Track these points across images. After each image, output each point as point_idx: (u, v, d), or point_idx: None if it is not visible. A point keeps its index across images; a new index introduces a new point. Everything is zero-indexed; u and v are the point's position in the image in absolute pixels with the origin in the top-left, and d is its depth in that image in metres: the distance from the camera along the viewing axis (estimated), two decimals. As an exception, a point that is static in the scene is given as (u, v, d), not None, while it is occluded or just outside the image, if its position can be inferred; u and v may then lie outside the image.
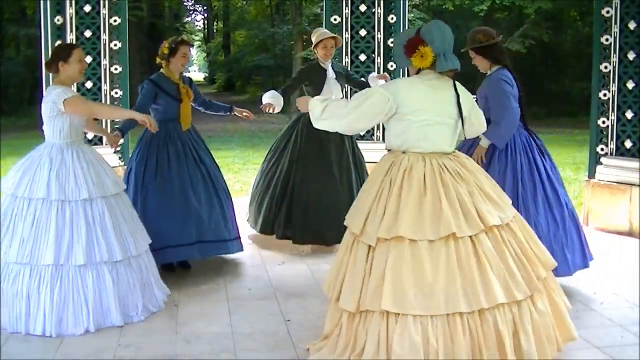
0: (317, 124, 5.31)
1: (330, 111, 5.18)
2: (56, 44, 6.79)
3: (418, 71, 5.21)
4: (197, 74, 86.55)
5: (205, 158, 7.86)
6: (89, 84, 10.22)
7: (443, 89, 5.17)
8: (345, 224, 5.26)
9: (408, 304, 4.66)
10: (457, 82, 5.29)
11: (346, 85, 9.17)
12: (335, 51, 8.77)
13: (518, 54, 32.83)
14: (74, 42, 9.94)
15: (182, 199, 7.47)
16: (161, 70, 7.77)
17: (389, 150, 5.31)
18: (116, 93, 10.30)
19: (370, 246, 4.93)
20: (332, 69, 8.74)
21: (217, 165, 8.10)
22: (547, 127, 28.96)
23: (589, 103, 10.12)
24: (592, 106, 9.92)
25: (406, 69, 5.64)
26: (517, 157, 6.88)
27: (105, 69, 10.26)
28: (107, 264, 6.08)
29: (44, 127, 6.47)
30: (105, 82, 10.28)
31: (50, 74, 7.83)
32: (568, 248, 6.85)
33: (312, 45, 8.73)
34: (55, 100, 6.21)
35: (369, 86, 8.24)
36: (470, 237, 4.82)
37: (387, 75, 9.14)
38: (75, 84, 7.88)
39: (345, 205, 6.38)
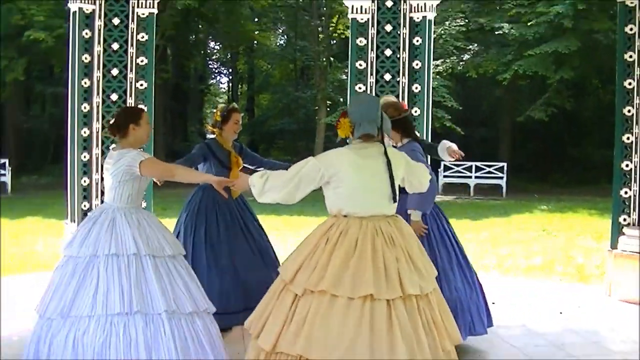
0: (260, 199, 5.57)
1: (270, 184, 5.51)
2: (121, 108, 6.82)
3: (349, 142, 5.63)
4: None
5: (251, 227, 7.94)
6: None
7: (373, 156, 5.43)
8: (278, 269, 5.57)
9: (319, 351, 4.94)
10: (389, 148, 5.54)
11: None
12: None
13: (540, 121, 32.96)
14: (100, 105, 10.15)
15: (231, 268, 7.57)
16: (214, 136, 7.96)
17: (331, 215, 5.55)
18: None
19: (296, 295, 5.20)
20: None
21: (264, 233, 8.15)
22: (568, 194, 28.97)
23: (610, 171, 10.14)
24: (614, 176, 9.93)
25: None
26: (429, 225, 7.16)
27: (131, 132, 10.39)
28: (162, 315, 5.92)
29: (108, 190, 6.35)
30: (131, 144, 10.42)
31: (110, 137, 7.58)
32: (481, 309, 7.16)
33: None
34: (131, 163, 6.17)
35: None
36: (387, 301, 5.04)
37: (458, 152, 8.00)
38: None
39: None
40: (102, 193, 10.18)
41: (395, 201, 5.45)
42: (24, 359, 6.04)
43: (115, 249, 5.95)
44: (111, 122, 6.53)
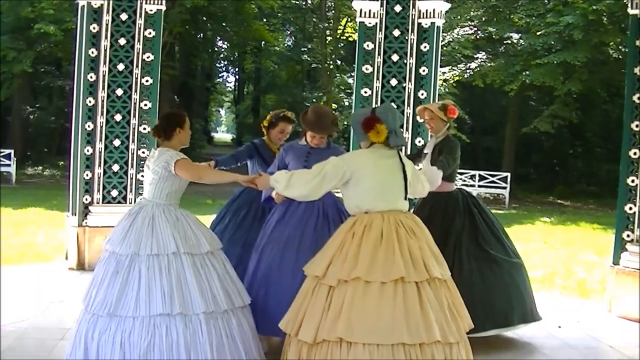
0: (285, 192, 6.02)
1: (296, 178, 5.91)
2: (166, 113, 6.91)
3: (370, 145, 5.95)
4: (225, 135, 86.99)
5: None
6: (116, 142, 10.34)
7: (390, 157, 5.91)
8: (304, 270, 5.87)
9: (359, 333, 5.28)
10: (400, 153, 6.01)
11: None
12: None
13: (546, 133, 32.90)
14: (105, 99, 10.15)
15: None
16: (264, 137, 8.07)
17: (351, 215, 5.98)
18: (143, 152, 10.41)
19: (331, 287, 5.54)
20: None
21: None
22: (571, 207, 28.94)
23: (615, 185, 10.08)
24: (619, 192, 9.84)
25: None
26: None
27: (134, 128, 10.39)
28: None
29: (148, 187, 6.53)
30: (133, 141, 10.40)
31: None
32: None
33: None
34: (168, 161, 6.38)
35: None
36: (416, 283, 5.46)
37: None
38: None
39: None
40: (104, 187, 10.22)
41: (407, 199, 5.94)
42: (70, 358, 6.20)
43: (156, 249, 6.16)
44: (156, 126, 6.73)
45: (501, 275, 7.65)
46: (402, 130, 6.20)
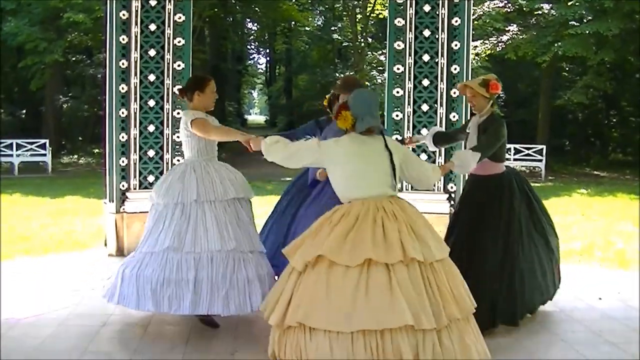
0: (265, 156, 6.24)
1: (275, 147, 6.16)
2: (191, 75, 7.47)
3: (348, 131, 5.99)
4: (258, 117, 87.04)
5: None
6: (151, 128, 10.38)
7: (370, 144, 5.87)
8: (283, 252, 5.91)
9: (318, 319, 5.25)
10: (387, 138, 5.97)
11: None
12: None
13: (580, 104, 32.64)
14: (138, 86, 10.20)
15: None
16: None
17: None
18: (178, 137, 10.44)
19: (300, 273, 5.56)
20: None
21: None
22: (608, 178, 28.76)
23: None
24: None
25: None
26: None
27: (167, 113, 10.43)
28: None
29: (183, 148, 7.41)
30: (168, 126, 10.45)
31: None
32: None
33: None
34: (186, 121, 7.15)
35: None
36: (387, 265, 5.30)
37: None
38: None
39: None
40: (140, 173, 10.31)
41: (394, 189, 5.86)
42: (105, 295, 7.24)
43: (181, 198, 7.03)
44: (181, 87, 7.57)
45: (550, 256, 7.65)
46: (376, 114, 5.90)
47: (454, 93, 10.38)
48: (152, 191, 7.40)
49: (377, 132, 5.93)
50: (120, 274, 7.09)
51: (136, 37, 10.27)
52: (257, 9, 41.47)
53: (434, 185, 10.63)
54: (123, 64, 10.27)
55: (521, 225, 7.34)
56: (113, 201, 10.41)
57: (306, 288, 5.43)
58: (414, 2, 10.61)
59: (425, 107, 10.64)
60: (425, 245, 5.52)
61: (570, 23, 28.90)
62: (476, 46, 29.80)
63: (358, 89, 6.22)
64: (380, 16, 37.08)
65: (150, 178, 10.45)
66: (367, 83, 34.53)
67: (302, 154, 6.04)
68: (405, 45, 10.67)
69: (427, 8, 10.60)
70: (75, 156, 33.40)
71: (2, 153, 27.22)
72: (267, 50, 60.55)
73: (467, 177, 7.87)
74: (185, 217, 6.99)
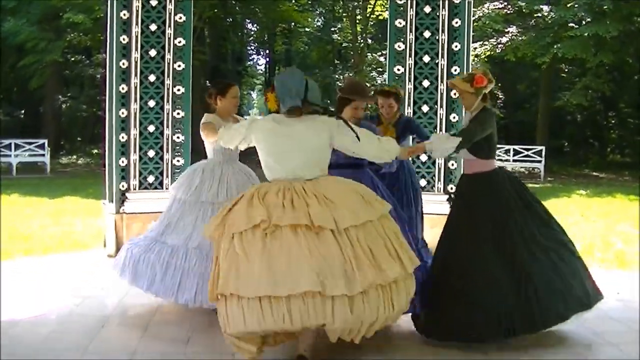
0: (219, 140, 6.68)
1: (226, 130, 6.60)
2: (214, 81, 7.88)
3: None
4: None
5: None
6: (151, 128, 10.38)
7: (292, 124, 5.99)
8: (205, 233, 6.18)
9: (231, 286, 5.48)
10: (320, 118, 6.08)
11: None
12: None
13: (579, 105, 32.69)
14: (138, 86, 10.19)
15: None
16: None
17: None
18: (178, 138, 10.45)
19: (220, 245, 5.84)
20: None
21: None
22: (607, 179, 28.78)
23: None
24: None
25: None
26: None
27: (168, 113, 10.43)
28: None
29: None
30: (168, 127, 10.44)
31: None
32: None
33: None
34: (201, 125, 7.49)
35: None
36: (295, 233, 5.48)
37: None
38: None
39: None
40: (140, 173, 10.29)
41: (319, 169, 6.03)
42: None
43: (186, 195, 7.52)
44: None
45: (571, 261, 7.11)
46: (294, 94, 6.00)
47: (454, 94, 10.39)
48: (171, 186, 8.05)
49: (305, 111, 6.04)
50: (130, 252, 7.63)
51: (137, 37, 10.27)
52: (257, 9, 41.43)
53: (433, 187, 10.66)
54: (123, 64, 10.27)
55: (521, 227, 6.84)
56: (112, 202, 10.40)
57: (223, 260, 5.68)
58: (414, 3, 10.63)
59: (425, 108, 10.67)
60: (338, 212, 5.61)
61: (569, 25, 28.96)
62: (476, 47, 29.82)
63: (281, 71, 6.39)
64: (380, 17, 37.08)
65: (150, 178, 10.45)
66: (367, 84, 34.52)
67: (235, 132, 6.35)
68: (406, 46, 10.68)
69: (427, 9, 10.62)
70: (74, 156, 33.42)
71: (1, 153, 27.16)
72: (267, 51, 60.47)
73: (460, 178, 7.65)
74: (194, 214, 7.45)
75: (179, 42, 10.45)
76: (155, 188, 10.44)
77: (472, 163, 7.08)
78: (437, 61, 10.60)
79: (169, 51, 10.40)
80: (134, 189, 10.41)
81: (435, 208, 10.13)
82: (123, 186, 10.40)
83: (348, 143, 6.13)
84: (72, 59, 35.03)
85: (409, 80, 10.64)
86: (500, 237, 6.79)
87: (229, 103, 7.75)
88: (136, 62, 10.28)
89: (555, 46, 29.08)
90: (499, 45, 31.06)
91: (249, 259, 5.46)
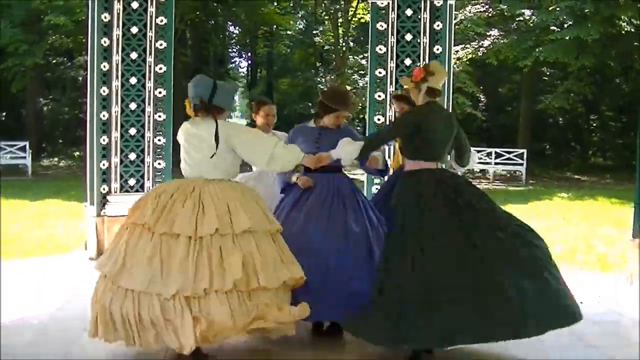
0: None
1: None
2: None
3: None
4: (239, 120, 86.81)
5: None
6: (132, 131, 10.35)
7: (200, 126, 6.32)
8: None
9: (106, 268, 6.14)
10: (220, 121, 6.30)
11: None
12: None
13: (560, 108, 32.82)
14: (119, 88, 10.15)
15: None
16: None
17: None
18: (159, 140, 10.42)
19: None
20: None
21: None
22: (588, 182, 28.86)
23: (630, 159, 9.98)
24: (637, 163, 9.75)
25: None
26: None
27: (149, 116, 10.39)
28: None
29: None
30: (149, 130, 10.41)
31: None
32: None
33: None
34: None
35: None
36: (162, 235, 5.95)
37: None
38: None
39: None
40: (121, 176, 10.26)
41: (220, 169, 6.28)
42: None
43: None
44: None
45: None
46: (196, 94, 6.39)
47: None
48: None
49: (212, 114, 6.31)
50: None
51: (118, 39, 10.23)
52: (238, 12, 41.38)
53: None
54: (105, 66, 10.23)
55: (454, 228, 6.27)
56: (94, 204, 10.36)
57: (113, 240, 6.40)
58: (395, 6, 10.63)
59: (407, 111, 10.65)
60: (222, 221, 5.94)
61: (551, 28, 29.05)
62: (457, 50, 29.88)
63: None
64: (362, 20, 37.11)
65: (131, 181, 10.41)
66: (348, 87, 34.56)
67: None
68: (387, 49, 10.69)
69: (409, 12, 10.63)
70: (56, 159, 33.31)
71: (-18, 156, 26.97)
72: (249, 54, 60.41)
73: None
74: None
75: (161, 44, 10.42)
76: (137, 191, 10.38)
77: (407, 164, 6.84)
78: (418, 64, 10.59)
79: (150, 54, 10.37)
80: (115, 191, 10.37)
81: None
82: (104, 189, 10.36)
83: (244, 152, 6.38)
84: (54, 61, 34.94)
85: (391, 83, 10.64)
86: (419, 242, 6.24)
87: (261, 118, 8.46)
88: (117, 65, 10.25)
89: (537, 49, 29.19)
90: (481, 49, 31.12)
91: (131, 250, 6.03)
